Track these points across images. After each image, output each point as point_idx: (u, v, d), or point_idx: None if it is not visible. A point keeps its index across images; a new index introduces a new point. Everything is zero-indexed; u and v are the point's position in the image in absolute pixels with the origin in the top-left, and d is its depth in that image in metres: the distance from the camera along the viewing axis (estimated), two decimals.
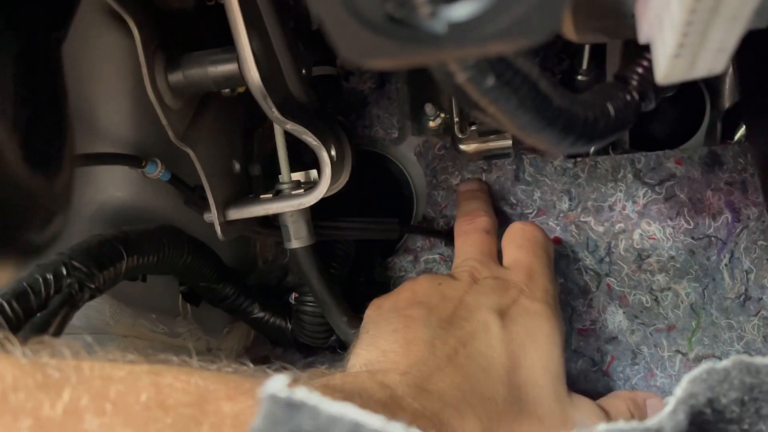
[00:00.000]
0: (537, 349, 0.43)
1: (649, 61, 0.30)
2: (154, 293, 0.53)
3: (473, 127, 0.57)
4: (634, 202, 0.59)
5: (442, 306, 0.44)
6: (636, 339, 0.58)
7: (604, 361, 0.58)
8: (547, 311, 0.45)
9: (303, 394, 0.21)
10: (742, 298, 0.57)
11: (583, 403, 0.44)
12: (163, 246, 0.45)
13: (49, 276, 0.36)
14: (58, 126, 0.33)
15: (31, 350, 0.26)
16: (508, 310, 0.44)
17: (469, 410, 0.37)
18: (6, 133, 0.29)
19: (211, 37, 0.43)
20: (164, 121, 0.41)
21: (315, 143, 0.45)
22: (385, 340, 0.42)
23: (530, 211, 0.61)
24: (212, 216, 0.46)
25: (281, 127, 0.44)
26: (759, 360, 0.24)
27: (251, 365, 0.30)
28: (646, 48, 0.29)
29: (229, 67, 0.42)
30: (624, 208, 0.59)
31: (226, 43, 0.41)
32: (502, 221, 0.57)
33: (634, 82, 0.31)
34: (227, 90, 0.44)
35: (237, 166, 0.51)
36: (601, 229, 0.60)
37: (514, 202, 0.62)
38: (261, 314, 0.57)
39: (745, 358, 0.24)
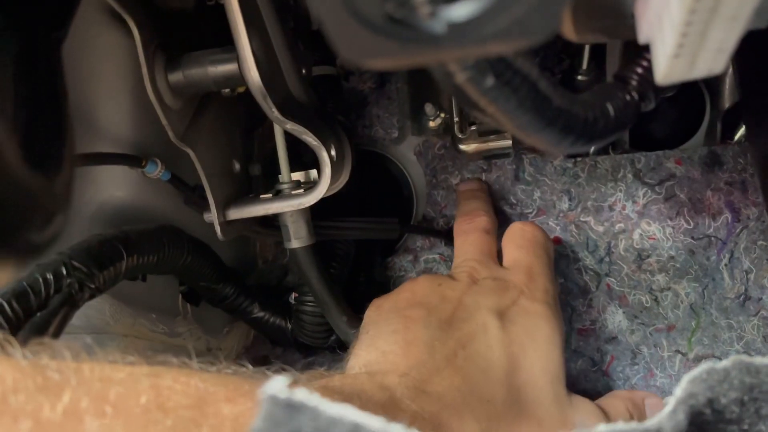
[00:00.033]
0: (536, 349, 0.43)
1: (649, 61, 0.30)
2: (154, 293, 0.53)
3: (473, 127, 0.57)
4: (634, 202, 0.59)
5: (442, 307, 0.44)
6: (636, 339, 0.58)
7: (603, 361, 0.58)
8: (547, 312, 0.45)
9: (303, 395, 0.21)
10: (741, 298, 0.57)
11: (582, 403, 0.44)
12: (163, 246, 0.45)
13: (49, 276, 0.36)
14: (58, 126, 0.33)
15: (32, 352, 0.26)
16: (508, 311, 0.44)
17: (468, 412, 0.37)
18: (6, 133, 0.29)
19: (211, 37, 0.43)
20: (164, 121, 0.41)
21: (315, 143, 0.45)
22: (385, 341, 0.42)
23: (530, 210, 0.61)
24: (212, 216, 0.46)
25: (281, 127, 0.44)
26: (759, 360, 0.24)
27: (250, 367, 0.30)
28: (646, 48, 0.29)
29: (229, 67, 0.42)
30: (624, 208, 0.59)
31: (226, 43, 0.41)
32: (502, 221, 0.57)
33: (634, 82, 0.31)
34: (227, 90, 0.44)
35: (237, 166, 0.51)
36: (601, 229, 0.60)
37: (514, 201, 0.62)
38: (261, 314, 0.57)
39: (745, 358, 0.24)
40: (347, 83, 0.65)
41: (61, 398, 0.24)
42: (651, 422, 0.23)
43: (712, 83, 0.60)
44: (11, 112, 0.30)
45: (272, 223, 0.51)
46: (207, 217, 0.47)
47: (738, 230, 0.58)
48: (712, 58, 0.23)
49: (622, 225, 0.59)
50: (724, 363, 0.24)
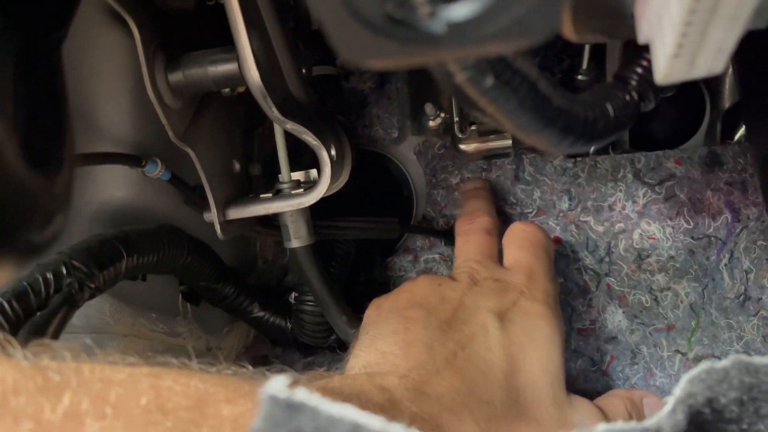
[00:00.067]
0: (536, 350, 0.43)
1: (649, 61, 0.30)
2: (154, 293, 0.53)
3: (473, 127, 0.57)
4: (634, 201, 0.59)
5: (442, 307, 0.44)
6: (635, 339, 0.58)
7: (603, 361, 0.58)
8: (547, 312, 0.45)
9: (303, 395, 0.21)
10: (741, 298, 0.57)
11: (581, 404, 0.44)
12: (163, 245, 0.45)
13: (49, 275, 0.36)
14: (58, 126, 0.33)
15: (32, 353, 0.26)
16: (508, 312, 0.44)
17: (466, 414, 0.37)
18: (6, 133, 0.29)
19: (211, 37, 0.43)
20: (164, 121, 0.41)
21: (315, 143, 0.45)
22: (385, 341, 0.42)
23: (530, 210, 0.61)
24: (212, 215, 0.46)
25: (281, 126, 0.44)
26: (758, 360, 0.24)
27: (250, 367, 0.30)
28: (646, 48, 0.29)
29: (229, 67, 0.42)
30: (624, 207, 0.59)
31: (226, 43, 0.41)
32: (501, 221, 0.57)
33: (634, 82, 0.31)
34: (227, 90, 0.44)
35: (237, 166, 0.51)
36: (600, 228, 0.60)
37: (514, 201, 0.62)
38: (261, 314, 0.57)
39: (744, 357, 0.24)
40: (347, 83, 0.65)
41: (62, 399, 0.24)
42: (650, 422, 0.23)
43: (712, 83, 0.60)
44: (11, 112, 0.30)
45: (272, 222, 0.51)
46: (207, 216, 0.47)
47: (738, 230, 0.58)
48: (712, 58, 0.23)
49: (622, 225, 0.59)
50: (724, 363, 0.24)
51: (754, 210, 0.57)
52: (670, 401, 0.23)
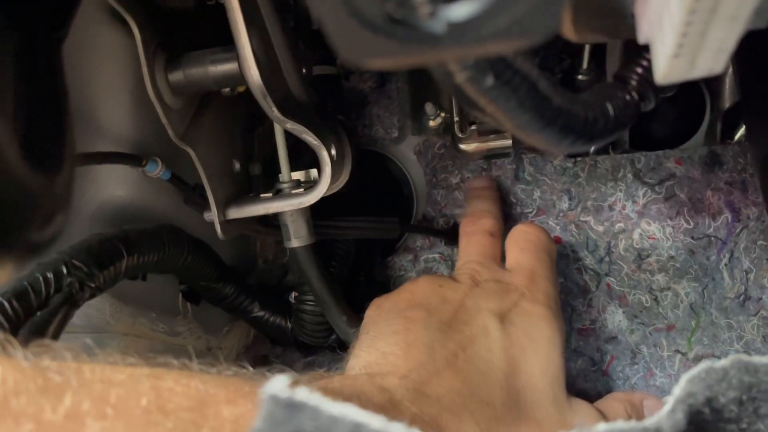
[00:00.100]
0: (536, 351, 0.43)
1: (649, 61, 0.30)
2: (154, 292, 0.53)
3: (473, 127, 0.57)
4: (634, 201, 0.59)
5: (442, 308, 0.44)
6: (635, 339, 0.58)
7: (603, 361, 0.58)
8: (548, 314, 0.45)
9: (304, 394, 0.21)
10: (741, 298, 0.57)
11: (581, 406, 0.44)
12: (164, 245, 0.45)
13: (50, 275, 0.36)
14: (58, 125, 0.33)
15: (33, 353, 0.26)
16: (509, 314, 0.44)
17: (467, 415, 0.37)
18: (6, 132, 0.29)
19: (212, 37, 0.43)
20: (164, 120, 0.41)
21: (315, 142, 0.45)
22: (385, 341, 0.42)
23: (530, 210, 0.61)
24: (212, 215, 0.46)
25: (281, 126, 0.44)
26: (757, 359, 0.24)
27: (250, 368, 0.30)
28: (646, 48, 0.29)
29: (230, 66, 0.42)
30: (624, 207, 0.59)
31: (226, 43, 0.41)
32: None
33: (634, 82, 0.31)
34: (227, 89, 0.44)
35: (237, 165, 0.51)
36: (600, 228, 0.60)
37: (514, 201, 0.62)
38: (261, 313, 0.57)
39: (744, 357, 0.24)
40: (347, 83, 0.65)
41: (63, 400, 0.24)
42: (650, 421, 0.23)
43: (712, 83, 0.60)
44: (11, 112, 0.30)
45: (272, 222, 0.51)
46: (207, 216, 0.47)
47: (738, 230, 0.58)
48: (712, 58, 0.23)
49: (622, 225, 0.59)
50: (723, 362, 0.24)
51: (754, 210, 0.57)
52: (670, 401, 0.23)
